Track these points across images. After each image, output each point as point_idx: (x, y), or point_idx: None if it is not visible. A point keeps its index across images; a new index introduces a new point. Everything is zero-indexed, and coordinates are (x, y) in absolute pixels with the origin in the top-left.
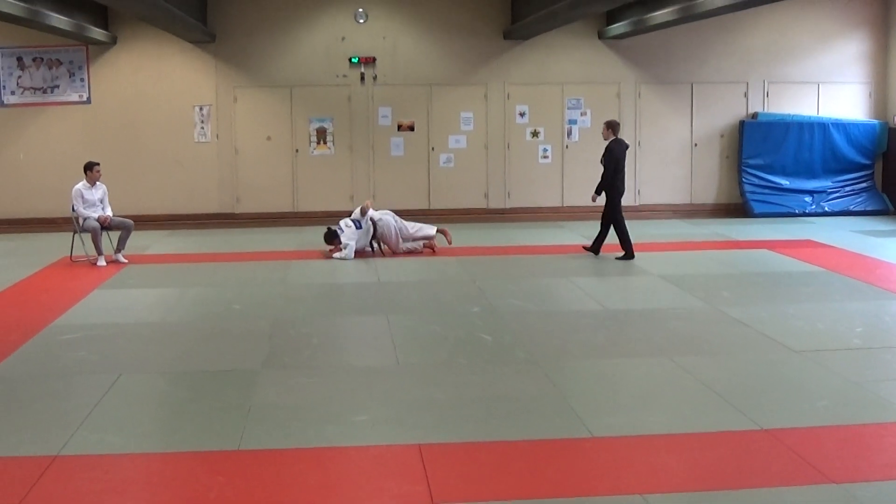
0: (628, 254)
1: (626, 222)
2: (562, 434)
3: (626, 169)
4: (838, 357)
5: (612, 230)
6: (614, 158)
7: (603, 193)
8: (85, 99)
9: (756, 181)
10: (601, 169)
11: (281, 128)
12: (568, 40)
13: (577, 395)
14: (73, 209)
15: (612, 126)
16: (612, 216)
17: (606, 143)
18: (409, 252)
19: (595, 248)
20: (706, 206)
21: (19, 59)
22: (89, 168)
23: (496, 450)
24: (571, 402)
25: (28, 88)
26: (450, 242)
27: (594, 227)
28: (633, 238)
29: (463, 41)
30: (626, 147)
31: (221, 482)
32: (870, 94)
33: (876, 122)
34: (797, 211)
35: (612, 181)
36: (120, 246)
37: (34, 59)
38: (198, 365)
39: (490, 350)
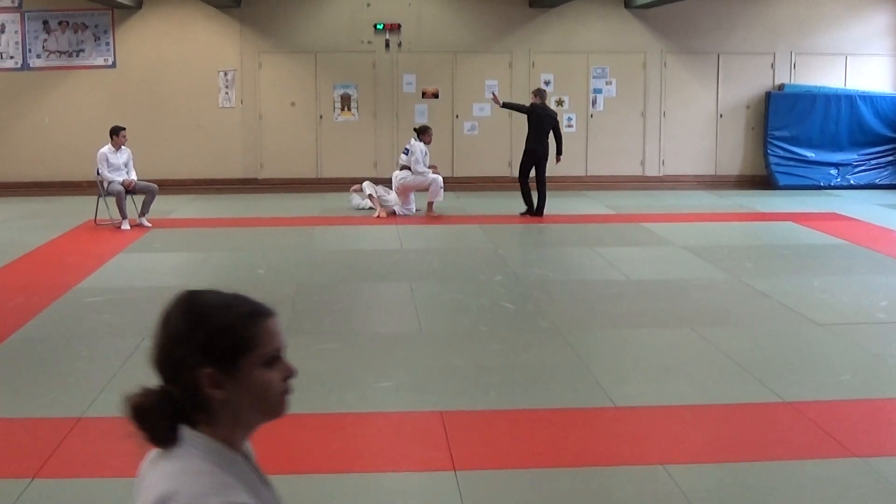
0: (530, 210)
1: (649, 192)
2: (584, 403)
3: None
4: (862, 330)
5: (546, 193)
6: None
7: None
8: (110, 63)
9: (781, 153)
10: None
11: (305, 94)
12: (594, 9)
13: (600, 364)
14: (98, 173)
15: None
16: (520, 175)
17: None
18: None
19: (539, 211)
20: (731, 178)
21: (45, 22)
22: (116, 132)
23: (518, 418)
24: (594, 372)
25: (53, 52)
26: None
27: (617, 196)
28: (658, 209)
29: (488, 8)
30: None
31: None
32: None
33: None
34: (822, 183)
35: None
36: (144, 210)
37: (60, 23)
38: None
39: (512, 318)
